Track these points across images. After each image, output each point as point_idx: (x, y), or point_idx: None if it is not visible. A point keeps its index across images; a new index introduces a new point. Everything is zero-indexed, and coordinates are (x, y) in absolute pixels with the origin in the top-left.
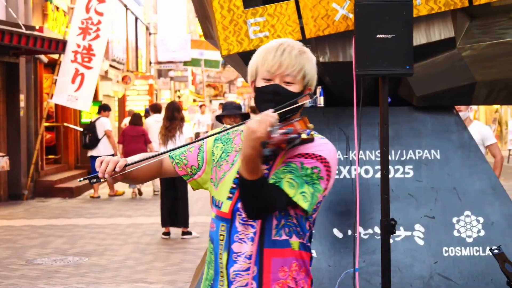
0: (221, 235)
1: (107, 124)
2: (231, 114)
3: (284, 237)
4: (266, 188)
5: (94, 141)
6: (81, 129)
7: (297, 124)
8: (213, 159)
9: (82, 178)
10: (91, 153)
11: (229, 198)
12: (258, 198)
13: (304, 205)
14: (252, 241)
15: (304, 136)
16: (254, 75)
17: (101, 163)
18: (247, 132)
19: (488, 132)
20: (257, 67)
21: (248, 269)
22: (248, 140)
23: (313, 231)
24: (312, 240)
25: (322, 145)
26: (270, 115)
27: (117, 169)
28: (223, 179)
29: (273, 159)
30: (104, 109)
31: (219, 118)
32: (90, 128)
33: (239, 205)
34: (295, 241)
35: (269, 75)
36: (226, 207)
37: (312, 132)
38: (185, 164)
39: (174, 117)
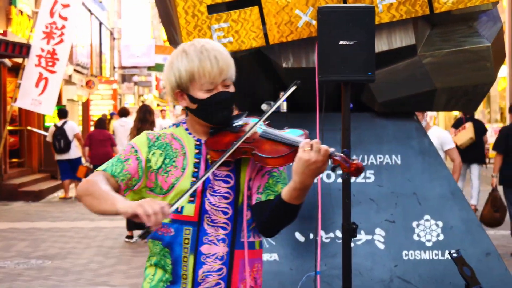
0: (185, 238)
1: (76, 128)
2: None
3: (251, 238)
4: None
5: (67, 145)
6: (45, 133)
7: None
8: (150, 166)
9: (137, 237)
10: (62, 157)
11: (190, 201)
12: (292, 218)
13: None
14: (224, 242)
15: None
16: (186, 88)
17: (149, 216)
18: (304, 164)
19: (446, 137)
20: (191, 79)
21: (219, 270)
22: (306, 172)
23: None
24: (274, 243)
25: None
26: (321, 145)
27: (167, 215)
28: (177, 185)
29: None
30: (64, 115)
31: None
32: (61, 133)
33: (207, 207)
34: (257, 241)
35: (211, 86)
36: (190, 211)
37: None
38: (129, 179)
39: (146, 119)
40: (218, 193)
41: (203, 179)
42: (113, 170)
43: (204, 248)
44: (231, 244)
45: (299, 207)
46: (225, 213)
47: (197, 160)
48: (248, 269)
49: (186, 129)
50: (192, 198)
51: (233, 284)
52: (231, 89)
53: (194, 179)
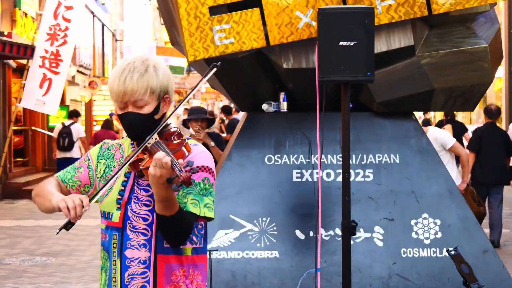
0: (114, 243)
1: (81, 132)
2: (198, 118)
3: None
4: (184, 216)
5: (71, 145)
6: (49, 133)
7: (185, 149)
8: (96, 175)
9: (58, 230)
10: (63, 155)
11: (118, 209)
12: (178, 228)
13: (211, 214)
14: (145, 247)
15: (184, 149)
16: (114, 101)
17: (69, 209)
18: (152, 180)
19: (444, 137)
20: (110, 95)
21: (143, 273)
22: (157, 186)
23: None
24: (275, 241)
25: (201, 155)
26: (162, 158)
27: (86, 206)
28: (110, 192)
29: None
30: (76, 115)
31: (185, 123)
32: (67, 132)
33: (129, 214)
34: (188, 248)
35: (122, 104)
36: (116, 217)
37: (188, 143)
38: (79, 185)
39: None
40: (140, 201)
41: (110, 180)
42: (64, 176)
43: (128, 253)
44: (153, 249)
45: (173, 218)
46: (145, 219)
47: (129, 171)
48: (177, 274)
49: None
50: (119, 205)
51: (159, 285)
52: (146, 109)
53: (122, 188)
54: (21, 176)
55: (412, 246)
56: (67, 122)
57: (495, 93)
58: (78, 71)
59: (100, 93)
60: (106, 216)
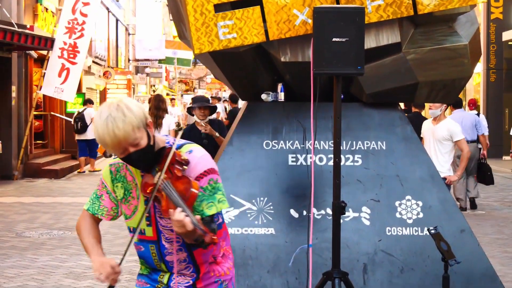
0: (152, 253)
1: (93, 114)
2: (201, 106)
3: None
4: (207, 228)
5: (84, 128)
6: (66, 118)
7: (194, 188)
8: (116, 197)
9: None
10: (80, 137)
11: (148, 225)
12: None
13: (226, 205)
14: (181, 251)
15: (185, 168)
16: (111, 150)
17: (105, 279)
18: (181, 235)
19: (456, 129)
20: (106, 148)
21: (187, 267)
22: (187, 239)
23: None
24: (271, 219)
25: (199, 161)
26: (182, 220)
27: (118, 274)
28: (137, 212)
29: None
30: (89, 102)
31: (189, 110)
32: (80, 117)
33: (160, 228)
34: None
35: (121, 150)
36: (149, 232)
37: (184, 157)
38: (107, 211)
39: (159, 107)
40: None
41: (139, 227)
42: (93, 209)
43: (168, 258)
44: (188, 249)
45: (196, 244)
46: (173, 230)
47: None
48: (212, 252)
49: None
50: (148, 222)
51: (202, 270)
52: (143, 142)
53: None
54: (41, 157)
55: (396, 225)
56: (82, 108)
57: (474, 86)
58: (93, 61)
59: (113, 82)
60: (133, 231)
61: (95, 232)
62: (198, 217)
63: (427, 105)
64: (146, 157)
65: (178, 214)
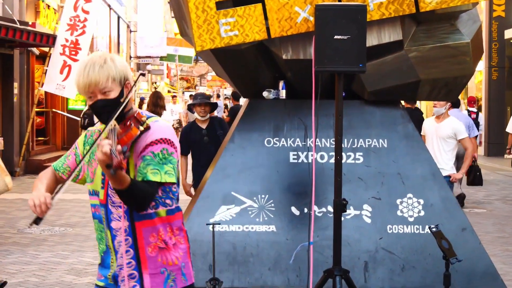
0: (103, 217)
1: None
2: (201, 102)
3: (150, 210)
4: (138, 187)
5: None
6: (68, 115)
7: (132, 130)
8: (84, 159)
9: (29, 225)
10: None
11: (102, 187)
12: (135, 197)
13: (172, 179)
14: (125, 218)
15: (141, 128)
16: (83, 95)
17: (35, 207)
18: (98, 163)
19: (460, 128)
20: (78, 91)
21: (126, 240)
22: (103, 169)
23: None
24: (272, 216)
25: (159, 130)
26: (103, 147)
27: (48, 205)
28: (96, 174)
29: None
30: None
31: (189, 108)
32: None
33: (109, 191)
34: (162, 210)
35: (89, 94)
36: (102, 194)
37: (147, 122)
38: (69, 171)
39: (157, 104)
40: None
41: (79, 165)
42: (57, 165)
43: (113, 224)
44: (130, 218)
45: (127, 190)
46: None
47: None
48: (155, 235)
49: None
50: (102, 185)
51: (141, 249)
52: (112, 94)
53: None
54: (42, 154)
55: (397, 223)
56: None
57: (476, 84)
58: None
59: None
60: (94, 193)
61: (49, 180)
62: (119, 148)
63: (430, 102)
64: (110, 109)
65: (104, 141)
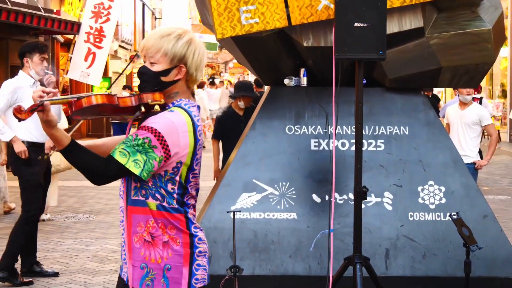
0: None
1: None
2: (249, 96)
3: (140, 198)
4: (77, 154)
5: None
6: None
7: (131, 100)
8: None
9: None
10: (113, 120)
11: None
12: (75, 163)
13: (136, 171)
14: (123, 198)
15: (140, 108)
16: None
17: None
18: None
19: (485, 114)
20: None
21: (122, 221)
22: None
23: (189, 191)
24: (293, 204)
25: (158, 118)
26: (33, 94)
27: (43, 100)
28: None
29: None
30: (128, 88)
31: (233, 98)
32: None
33: None
34: (151, 203)
35: (143, 56)
36: None
37: (156, 107)
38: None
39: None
40: None
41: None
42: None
43: (120, 201)
44: (126, 200)
45: (65, 152)
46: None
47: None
48: (142, 225)
49: None
50: None
51: (128, 235)
52: (156, 67)
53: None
54: None
55: (418, 210)
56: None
57: (501, 71)
58: (120, 46)
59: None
60: None
61: (97, 142)
62: (38, 102)
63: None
64: (146, 79)
65: (37, 91)
